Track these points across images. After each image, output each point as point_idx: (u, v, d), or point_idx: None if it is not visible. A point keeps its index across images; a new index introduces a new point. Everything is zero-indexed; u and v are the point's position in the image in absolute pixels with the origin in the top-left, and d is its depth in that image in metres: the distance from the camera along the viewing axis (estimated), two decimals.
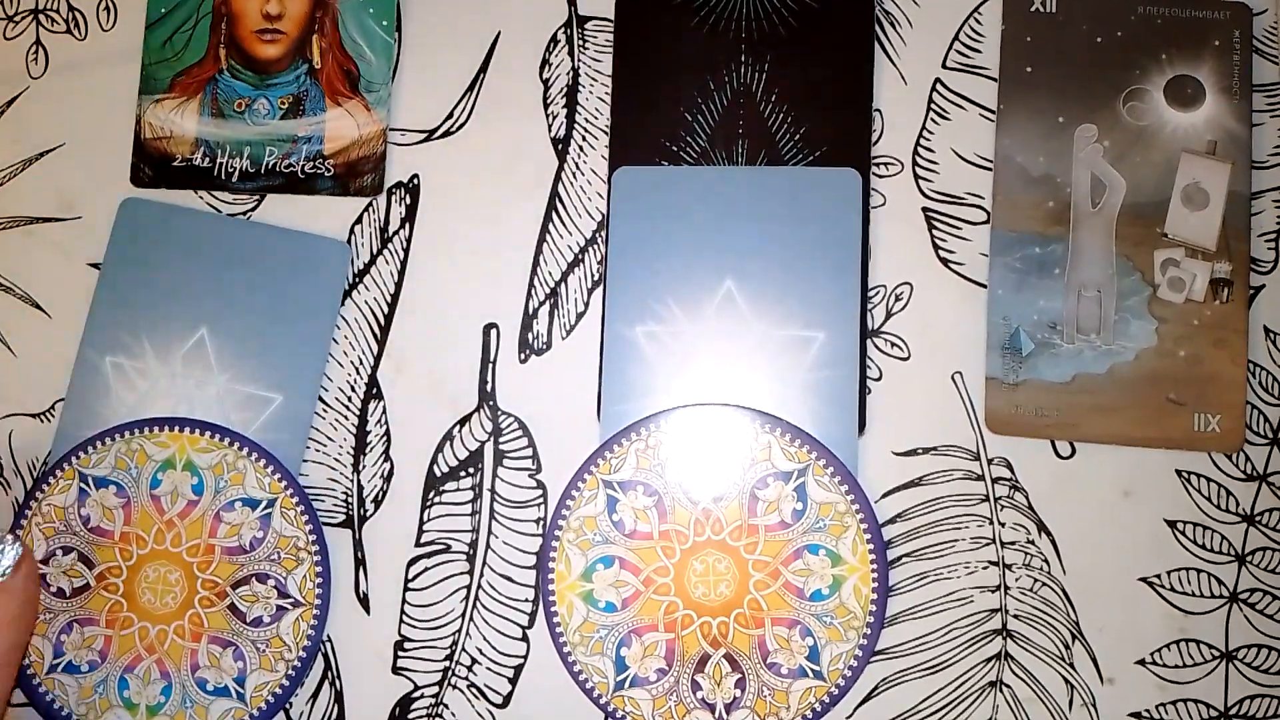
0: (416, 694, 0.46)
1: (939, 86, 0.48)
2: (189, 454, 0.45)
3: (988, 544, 0.45)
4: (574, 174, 0.48)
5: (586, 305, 0.48)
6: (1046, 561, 0.45)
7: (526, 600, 0.46)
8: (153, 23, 0.50)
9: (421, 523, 0.47)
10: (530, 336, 0.48)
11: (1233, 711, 0.44)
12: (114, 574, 0.45)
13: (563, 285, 0.48)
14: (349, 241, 0.48)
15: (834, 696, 0.44)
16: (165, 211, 0.48)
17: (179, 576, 0.45)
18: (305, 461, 0.47)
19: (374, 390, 0.48)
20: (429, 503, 0.47)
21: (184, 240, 0.48)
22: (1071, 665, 0.45)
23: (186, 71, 0.50)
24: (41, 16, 0.51)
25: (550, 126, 0.49)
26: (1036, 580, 0.45)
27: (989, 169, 0.47)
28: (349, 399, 0.48)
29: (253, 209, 0.49)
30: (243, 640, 0.45)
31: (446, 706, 0.46)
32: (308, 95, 0.49)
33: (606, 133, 0.48)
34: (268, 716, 0.45)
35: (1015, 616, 0.45)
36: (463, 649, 0.46)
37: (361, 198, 0.49)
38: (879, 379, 0.46)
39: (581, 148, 0.48)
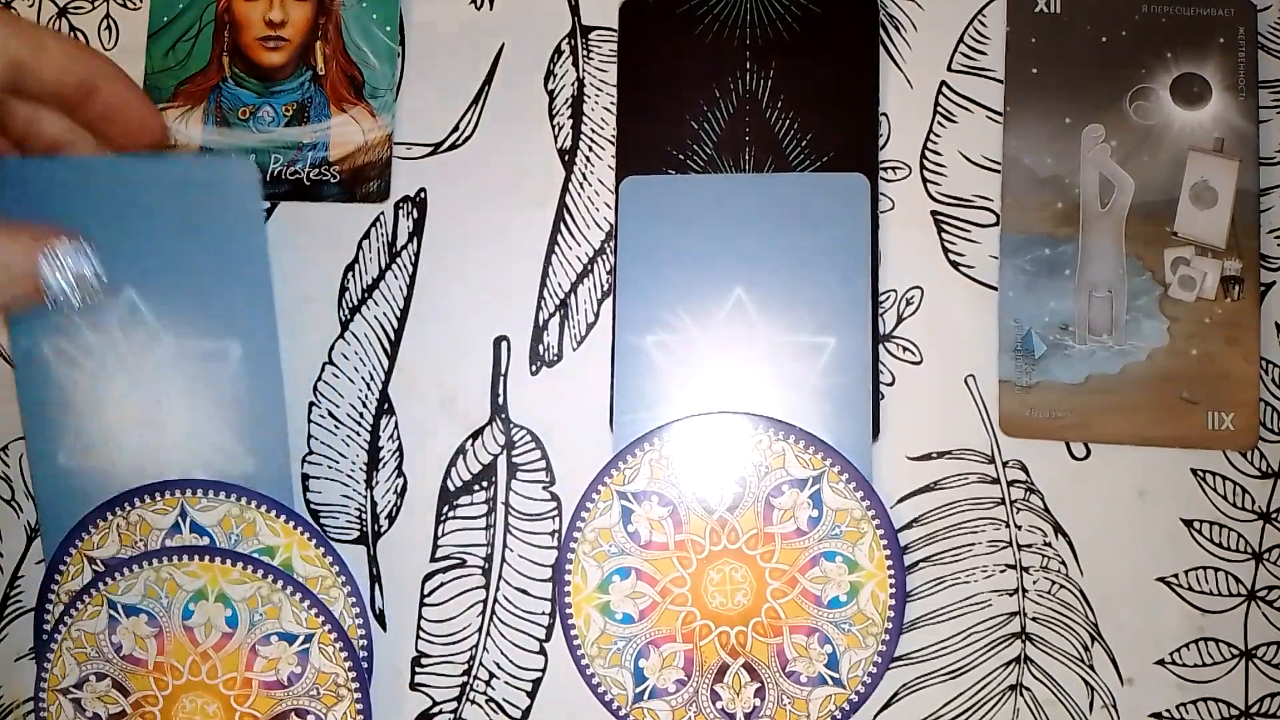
0: (435, 710, 0.46)
1: (945, 89, 0.48)
2: (221, 585, 0.44)
3: (1004, 547, 0.45)
4: (581, 184, 0.48)
5: (596, 316, 0.47)
6: (1064, 563, 0.45)
7: (543, 613, 0.46)
8: (155, 32, 0.50)
9: (436, 538, 0.47)
10: (541, 348, 0.47)
11: (1254, 710, 0.44)
12: (150, 703, 0.45)
13: (572, 296, 0.48)
14: (357, 257, 0.48)
15: (854, 703, 0.44)
16: (38, 167, 0.43)
17: (217, 709, 0.45)
18: (317, 479, 0.47)
19: (385, 405, 0.48)
20: (443, 517, 0.47)
21: (72, 193, 0.42)
22: (1091, 667, 0.45)
23: (190, 80, 0.50)
24: None
25: (556, 137, 0.49)
26: (1054, 582, 0.45)
27: (997, 171, 0.47)
28: (360, 415, 0.47)
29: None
30: None
31: None
32: (312, 102, 0.49)
33: (612, 142, 0.48)
34: None
35: (1034, 619, 0.45)
36: (480, 663, 0.46)
37: (368, 204, 0.48)
38: (891, 384, 0.46)
39: (588, 158, 0.48)
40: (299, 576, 0.45)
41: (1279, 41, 0.47)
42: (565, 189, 0.48)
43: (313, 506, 0.47)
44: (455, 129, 0.49)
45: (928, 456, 0.46)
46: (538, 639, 0.46)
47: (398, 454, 0.47)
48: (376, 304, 0.48)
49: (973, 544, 0.45)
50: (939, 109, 0.48)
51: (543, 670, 0.46)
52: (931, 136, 0.47)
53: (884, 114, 0.47)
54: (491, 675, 0.46)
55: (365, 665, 0.45)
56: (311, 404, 0.48)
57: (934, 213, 0.47)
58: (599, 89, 0.49)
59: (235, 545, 0.45)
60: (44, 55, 0.38)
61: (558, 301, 0.48)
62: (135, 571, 0.45)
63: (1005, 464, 0.46)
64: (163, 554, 0.44)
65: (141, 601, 0.45)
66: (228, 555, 0.44)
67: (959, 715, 0.45)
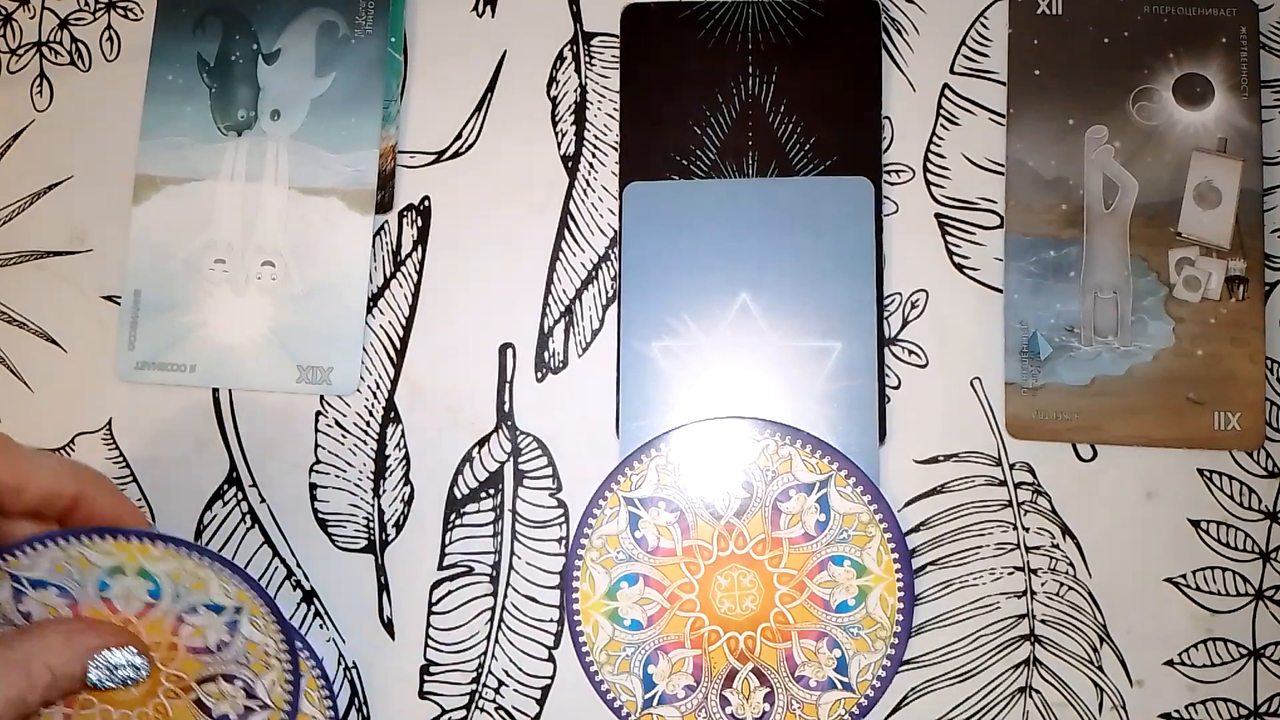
0: (444, 718, 0.46)
1: (948, 92, 0.48)
2: (140, 562, 0.41)
3: (1012, 549, 0.45)
4: (585, 191, 0.48)
5: (601, 322, 0.47)
6: (1071, 565, 0.45)
7: (551, 620, 0.46)
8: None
9: (444, 545, 0.47)
10: (546, 355, 0.47)
11: (1263, 710, 0.44)
12: None
13: (577, 303, 0.48)
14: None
15: (863, 708, 0.44)
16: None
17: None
18: (325, 488, 0.47)
19: (392, 414, 0.48)
20: (450, 525, 0.47)
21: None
22: (1100, 668, 0.45)
23: None
24: (45, 49, 0.51)
25: (559, 144, 0.48)
26: (1062, 584, 0.45)
27: (1001, 173, 0.47)
28: (367, 423, 0.47)
29: None
30: None
31: None
32: None
33: (616, 149, 0.48)
34: None
35: (1042, 621, 0.45)
36: (489, 671, 0.46)
37: (372, 215, 0.48)
38: (898, 387, 0.46)
39: (591, 164, 0.48)
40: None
41: None
42: (569, 195, 0.48)
43: (320, 516, 0.47)
44: (458, 136, 0.49)
45: (934, 460, 0.46)
46: (546, 646, 0.46)
47: (404, 462, 0.47)
48: (382, 313, 0.48)
49: (980, 547, 0.45)
50: (942, 111, 0.48)
51: (551, 677, 0.46)
52: (935, 139, 0.47)
53: (887, 117, 0.47)
54: (500, 683, 0.46)
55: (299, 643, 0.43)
56: (318, 413, 0.48)
57: (938, 215, 0.47)
58: (601, 95, 0.49)
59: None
60: (30, 480, 0.38)
61: (563, 308, 0.48)
62: (39, 549, 0.41)
63: (1012, 466, 0.46)
64: (70, 534, 0.40)
65: (49, 576, 0.41)
66: (144, 535, 0.41)
67: (969, 718, 0.45)
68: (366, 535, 0.47)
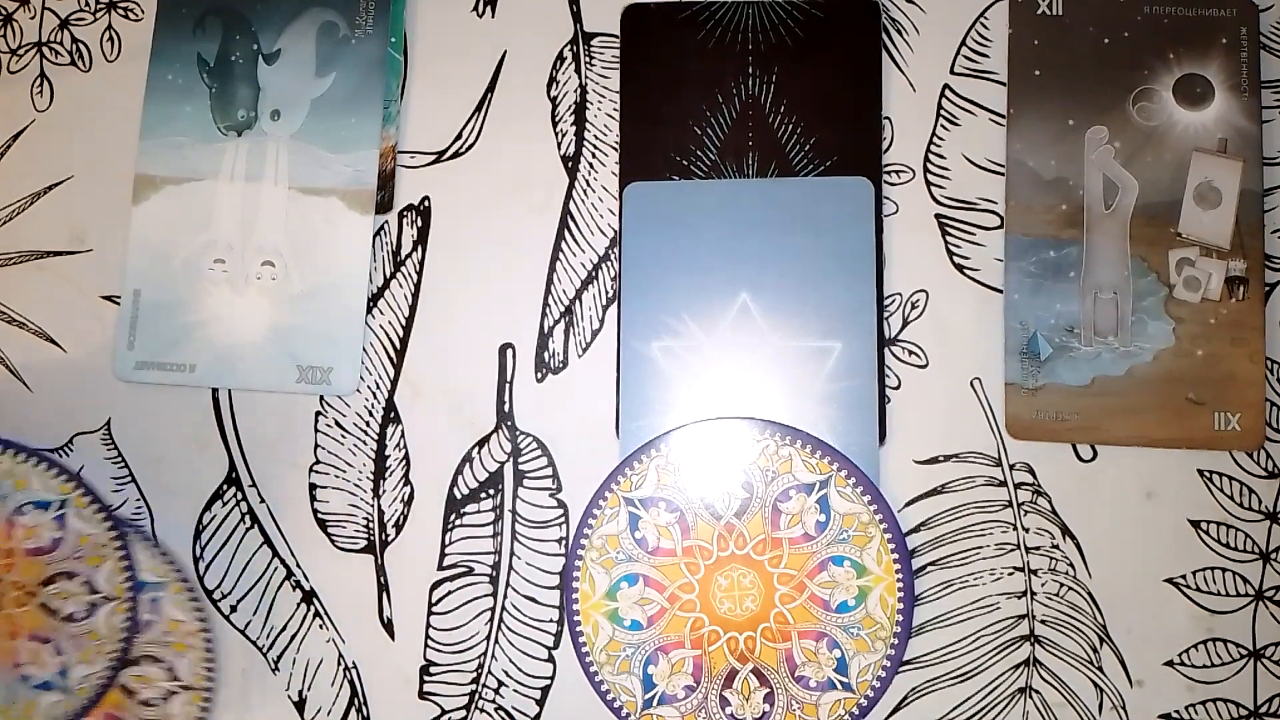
0: (444, 718, 0.46)
1: (948, 92, 0.48)
2: None
3: (1012, 549, 0.45)
4: (585, 191, 0.48)
5: (601, 322, 0.47)
6: (1071, 565, 0.45)
7: (551, 621, 0.46)
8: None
9: (443, 546, 0.47)
10: (546, 355, 0.47)
11: (1263, 710, 0.44)
12: None
13: (577, 303, 0.48)
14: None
15: (864, 708, 0.44)
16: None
17: None
18: (324, 488, 0.47)
19: (392, 414, 0.48)
20: (450, 525, 0.47)
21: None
22: (1100, 669, 0.45)
23: None
24: (45, 49, 0.51)
25: (559, 144, 0.48)
26: (1062, 585, 0.45)
27: (1001, 174, 0.47)
28: (367, 423, 0.47)
29: None
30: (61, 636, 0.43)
31: None
32: None
33: (616, 149, 0.48)
34: (91, 706, 0.44)
35: (1042, 621, 0.45)
36: (489, 671, 0.46)
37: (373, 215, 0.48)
38: (898, 387, 0.46)
39: (591, 164, 0.48)
40: (74, 533, 0.43)
41: None
42: (569, 196, 0.48)
43: (320, 516, 0.47)
44: (458, 136, 0.49)
45: (935, 460, 0.46)
46: (546, 646, 0.46)
47: (404, 462, 0.47)
48: (382, 313, 0.48)
49: (981, 547, 0.45)
50: (942, 112, 0.48)
51: (552, 678, 0.46)
52: (935, 139, 0.47)
53: (887, 118, 0.47)
54: (500, 683, 0.46)
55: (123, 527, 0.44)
56: (318, 413, 0.48)
57: (938, 216, 0.47)
58: (601, 95, 0.49)
59: (7, 496, 0.43)
60: None
61: (563, 308, 0.48)
62: None
63: (1012, 467, 0.46)
64: None
65: None
66: None
67: (969, 718, 0.45)
68: (366, 535, 0.47)
